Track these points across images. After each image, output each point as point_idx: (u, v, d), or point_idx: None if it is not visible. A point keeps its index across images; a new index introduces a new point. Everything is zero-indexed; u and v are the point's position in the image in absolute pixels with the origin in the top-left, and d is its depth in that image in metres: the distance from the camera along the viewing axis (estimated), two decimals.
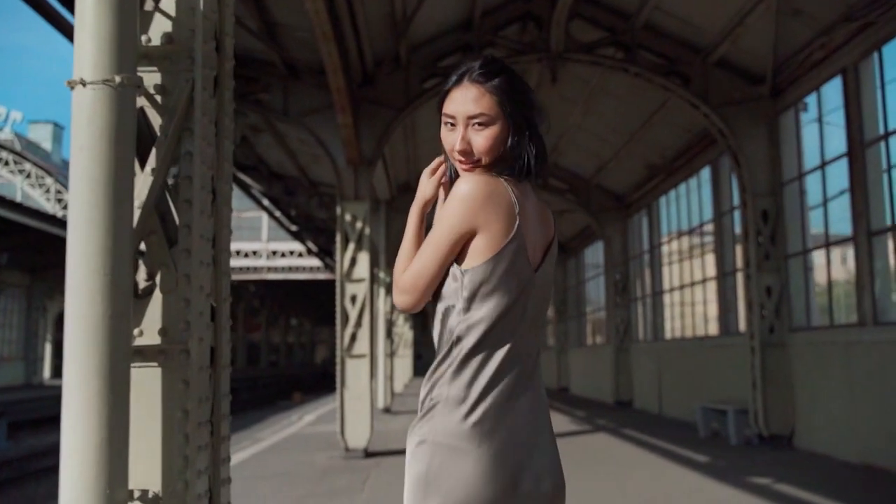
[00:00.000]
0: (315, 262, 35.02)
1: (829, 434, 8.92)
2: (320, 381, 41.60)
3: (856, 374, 8.34)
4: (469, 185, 1.68)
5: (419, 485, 1.63)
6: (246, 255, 38.99)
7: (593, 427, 13.19)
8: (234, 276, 39.17)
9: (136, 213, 2.36)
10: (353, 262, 9.65)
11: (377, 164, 9.97)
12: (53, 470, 13.70)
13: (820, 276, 9.86)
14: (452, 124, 1.77)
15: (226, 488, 2.63)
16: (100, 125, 2.19)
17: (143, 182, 2.42)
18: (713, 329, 12.85)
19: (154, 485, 2.31)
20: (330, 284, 28.80)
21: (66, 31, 7.09)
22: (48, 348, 37.87)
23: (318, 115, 9.78)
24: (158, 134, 2.48)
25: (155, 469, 2.33)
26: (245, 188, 17.42)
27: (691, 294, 13.80)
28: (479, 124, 1.73)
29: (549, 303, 1.84)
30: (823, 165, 9.18)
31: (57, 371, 40.77)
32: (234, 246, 32.46)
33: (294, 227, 22.08)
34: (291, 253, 38.15)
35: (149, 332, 2.41)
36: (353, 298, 9.64)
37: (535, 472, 1.67)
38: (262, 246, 38.93)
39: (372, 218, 10.98)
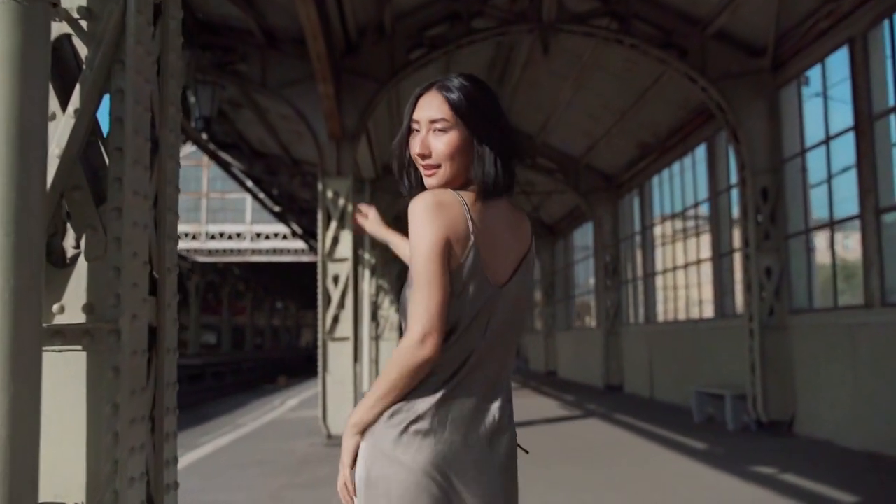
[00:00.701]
0: (300, 244, 34.51)
1: (831, 420, 8.59)
2: (306, 364, 41.14)
3: (861, 357, 7.99)
4: (419, 198, 1.66)
5: (361, 485, 1.65)
6: (230, 237, 38.40)
7: (583, 412, 12.85)
8: (218, 259, 38.68)
9: (54, 163, 1.91)
10: (336, 241, 9.21)
11: (360, 139, 9.51)
12: None
13: (822, 257, 9.50)
14: (417, 129, 1.77)
15: (171, 496, 2.20)
16: (1, 51, 1.73)
17: (63, 126, 1.97)
18: (708, 312, 12.50)
19: (75, 496, 1.88)
20: (315, 267, 28.13)
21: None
22: None
23: (298, 87, 9.30)
24: (84, 67, 2.03)
25: (77, 477, 1.90)
26: (225, 167, 16.90)
27: (685, 276, 13.44)
28: (440, 129, 1.73)
29: (522, 315, 1.79)
30: (828, 140, 8.79)
31: None
32: (218, 228, 31.94)
33: (277, 208, 21.55)
34: (276, 235, 37.59)
35: (72, 308, 1.96)
36: (336, 279, 9.21)
37: (475, 494, 1.64)
38: (246, 228, 38.34)
39: (356, 198, 10.53)
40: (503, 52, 12.98)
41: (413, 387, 1.62)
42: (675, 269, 13.93)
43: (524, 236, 1.80)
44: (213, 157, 16.21)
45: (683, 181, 13.33)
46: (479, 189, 1.71)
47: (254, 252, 38.27)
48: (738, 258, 11.32)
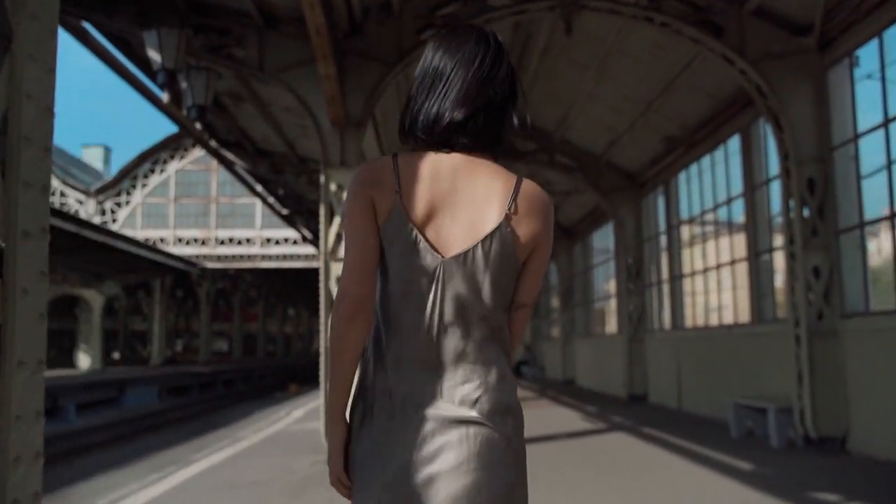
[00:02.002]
0: (310, 249, 33.78)
1: (889, 436, 7.68)
2: (318, 371, 40.43)
3: None
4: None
5: None
6: (239, 243, 37.73)
7: (608, 425, 11.95)
8: (229, 264, 37.98)
9: None
10: (340, 238, 8.39)
11: (367, 126, 8.69)
12: None
13: (880, 254, 8.59)
14: None
15: None
16: None
17: None
18: (744, 316, 11.58)
19: None
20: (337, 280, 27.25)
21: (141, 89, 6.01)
22: None
23: (298, 70, 8.51)
24: None
25: None
26: (228, 165, 16.16)
27: (717, 278, 12.51)
28: None
29: (487, 294, 1.54)
30: (886, 123, 7.89)
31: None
32: (228, 233, 31.34)
33: (285, 211, 20.79)
34: (286, 240, 36.90)
35: None
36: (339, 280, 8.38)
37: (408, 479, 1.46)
38: (256, 233, 37.66)
39: None
40: (520, 37, 12.15)
41: (355, 351, 1.54)
42: (705, 270, 13.01)
43: (496, 203, 1.56)
44: (215, 154, 15.48)
45: (714, 176, 12.43)
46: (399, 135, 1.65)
47: (264, 258, 37.58)
48: (778, 258, 10.43)
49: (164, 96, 7.99)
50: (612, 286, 19.58)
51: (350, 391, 1.55)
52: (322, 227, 8.44)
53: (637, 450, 9.38)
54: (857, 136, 8.43)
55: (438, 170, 1.55)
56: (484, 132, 1.59)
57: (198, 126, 9.70)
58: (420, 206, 1.52)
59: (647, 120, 13.42)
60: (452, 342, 1.52)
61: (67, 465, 12.67)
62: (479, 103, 1.58)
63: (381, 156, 1.67)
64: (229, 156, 15.72)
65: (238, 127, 14.38)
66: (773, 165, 10.14)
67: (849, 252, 8.56)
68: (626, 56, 11.71)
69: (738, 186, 11.45)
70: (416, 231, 1.51)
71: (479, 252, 1.52)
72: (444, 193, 1.54)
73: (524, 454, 1.57)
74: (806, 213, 8.61)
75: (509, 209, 1.54)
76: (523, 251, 1.57)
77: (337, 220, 8.42)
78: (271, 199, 19.48)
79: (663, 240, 15.25)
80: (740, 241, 11.46)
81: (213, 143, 15.23)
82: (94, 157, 56.68)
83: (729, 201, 11.87)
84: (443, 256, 1.52)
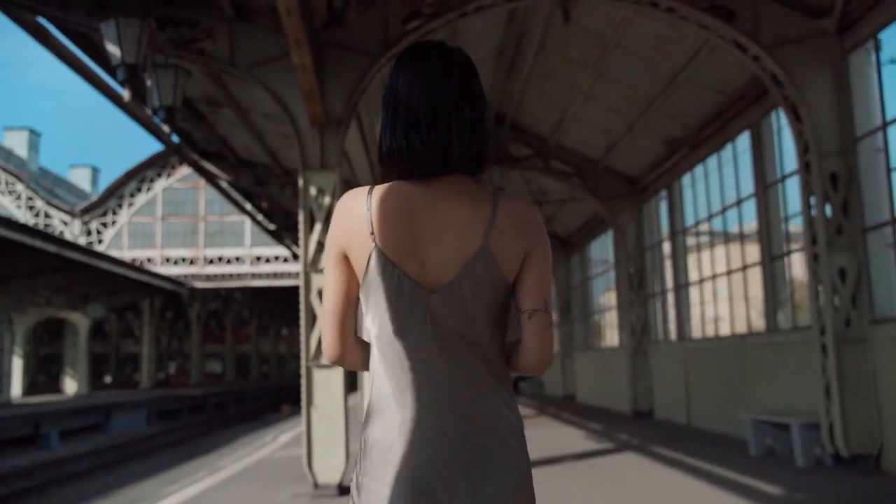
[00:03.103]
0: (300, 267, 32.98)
1: None
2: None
3: None
4: None
5: None
6: (229, 262, 36.90)
7: (615, 444, 11.18)
8: (218, 284, 37.13)
9: None
10: (321, 247, 7.65)
11: (349, 125, 7.96)
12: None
13: None
14: None
15: None
16: None
17: None
18: (758, 324, 10.85)
19: None
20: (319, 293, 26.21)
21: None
22: (17, 363, 35.65)
23: (273, 66, 7.79)
24: None
25: None
26: (210, 178, 15.42)
27: (728, 285, 11.77)
28: None
29: (480, 320, 1.53)
30: None
31: (30, 388, 38.55)
32: (217, 252, 30.67)
33: (272, 226, 20.03)
34: (276, 258, 36.10)
35: None
36: (322, 294, 7.63)
37: None
38: (246, 252, 36.85)
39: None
40: (514, 35, 11.49)
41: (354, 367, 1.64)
42: (714, 277, 12.28)
43: (475, 226, 1.51)
44: (195, 166, 14.75)
45: (722, 177, 11.73)
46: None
47: (254, 276, 36.74)
48: (796, 260, 9.73)
49: (126, 94, 7.26)
50: (612, 297, 18.85)
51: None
52: (302, 235, 7.69)
53: (649, 471, 8.61)
54: (885, 125, 7.74)
55: (414, 200, 1.52)
56: (459, 155, 1.53)
57: (166, 129, 8.96)
58: (399, 244, 1.50)
59: (648, 120, 12.75)
60: (448, 372, 1.51)
61: (45, 497, 11.91)
62: (451, 126, 1.52)
63: (355, 192, 1.55)
64: (211, 168, 14.99)
65: (218, 136, 13.65)
66: (789, 161, 9.46)
67: (877, 251, 7.85)
68: (625, 51, 11.04)
69: (748, 187, 10.75)
70: (398, 271, 1.50)
71: (465, 280, 1.50)
72: (422, 224, 1.51)
73: (531, 474, 1.54)
74: (829, 210, 7.90)
75: (490, 231, 1.51)
76: (512, 268, 1.54)
77: (318, 228, 7.67)
78: (259, 217, 18.75)
79: (667, 247, 14.54)
80: (752, 244, 10.75)
81: (192, 155, 14.51)
82: (81, 178, 56.03)
83: (739, 203, 11.16)
84: (430, 291, 1.50)
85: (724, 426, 11.39)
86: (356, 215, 1.52)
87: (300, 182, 7.71)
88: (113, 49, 7.07)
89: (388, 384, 1.52)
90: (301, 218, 7.71)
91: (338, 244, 1.55)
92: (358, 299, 1.56)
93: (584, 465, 9.21)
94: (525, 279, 1.56)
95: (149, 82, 8.07)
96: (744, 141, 10.82)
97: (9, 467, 14.76)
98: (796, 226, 9.45)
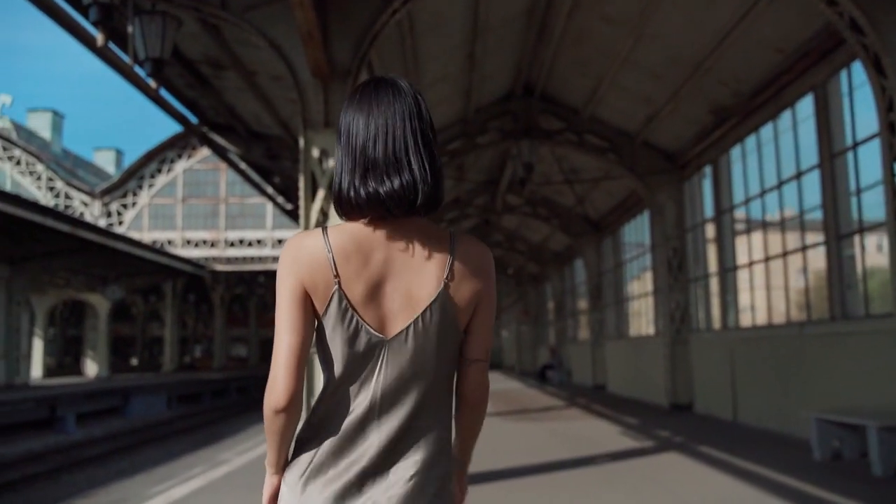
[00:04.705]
0: None
1: None
2: None
3: None
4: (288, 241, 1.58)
5: None
6: (250, 244, 36.19)
7: (655, 442, 10.11)
8: (241, 267, 36.45)
9: None
10: (325, 215, 6.65)
11: (358, 77, 6.92)
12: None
13: None
14: None
15: None
16: None
17: None
18: (820, 312, 9.69)
19: None
20: None
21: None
22: (38, 345, 35.28)
23: (269, 9, 6.81)
24: None
25: None
26: (220, 151, 14.50)
27: (784, 268, 10.59)
28: None
29: (432, 370, 1.52)
30: None
31: (51, 370, 38.23)
32: (238, 234, 29.93)
33: (289, 206, 19.11)
34: None
35: None
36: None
37: None
38: (267, 234, 36.11)
39: None
40: None
41: (286, 435, 1.53)
42: (767, 259, 11.10)
43: (433, 270, 1.51)
44: (206, 141, 13.85)
45: (778, 148, 10.53)
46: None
47: (275, 259, 35.95)
48: (870, 240, 8.56)
49: (99, 38, 6.31)
50: (647, 283, 17.71)
51: (286, 452, 1.57)
52: (302, 203, 6.70)
53: (698, 476, 7.54)
54: None
55: (371, 242, 1.51)
56: (421, 199, 1.49)
57: (153, 84, 8.01)
58: (358, 288, 1.49)
59: (694, 87, 11.58)
60: (397, 420, 1.51)
61: (54, 482, 11.24)
62: (412, 170, 1.50)
63: (314, 232, 1.47)
64: (220, 141, 14.07)
65: (225, 105, 12.70)
66: (862, 126, 8.28)
67: None
68: (671, 6, 9.90)
69: (811, 157, 9.56)
70: (356, 316, 1.49)
71: (420, 326, 1.51)
72: (379, 268, 1.51)
73: None
74: None
75: (447, 277, 1.51)
76: (465, 315, 1.54)
77: (321, 195, 6.67)
78: (280, 199, 17.83)
79: (710, 227, 13.37)
80: (814, 223, 9.57)
81: (203, 129, 13.60)
82: (106, 160, 55.63)
83: (798, 176, 9.96)
84: (384, 337, 1.50)
85: (777, 424, 10.28)
86: (318, 256, 1.49)
87: (301, 142, 6.71)
88: None
89: (331, 424, 1.51)
90: (301, 184, 6.72)
91: (300, 280, 1.49)
92: (311, 340, 1.53)
93: (622, 468, 8.15)
94: (473, 327, 1.57)
95: (130, 28, 7.08)
96: (806, 106, 9.62)
97: (22, 451, 14.33)
98: (872, 199, 8.27)
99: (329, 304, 1.47)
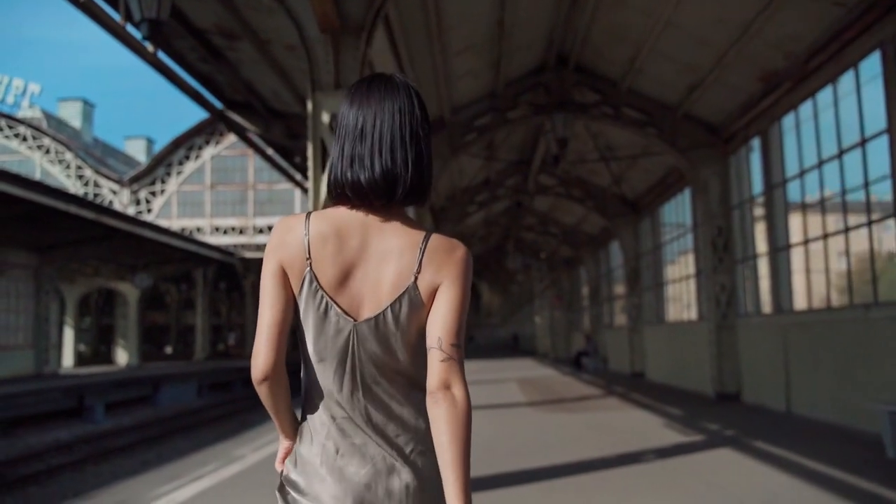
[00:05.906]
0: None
1: None
2: None
3: None
4: None
5: None
6: None
7: (702, 435, 9.32)
8: None
9: None
10: None
11: (372, 33, 6.19)
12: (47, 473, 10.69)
13: None
14: None
15: None
16: None
17: None
18: (889, 293, 8.79)
19: None
20: None
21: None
22: (69, 334, 35.25)
23: None
24: None
25: None
26: (239, 131, 13.91)
27: (846, 246, 9.67)
28: None
29: (404, 357, 1.57)
30: None
31: (82, 359, 38.26)
32: (266, 221, 29.41)
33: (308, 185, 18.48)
34: None
35: None
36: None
37: None
38: None
39: None
40: None
41: (277, 402, 1.61)
42: (825, 237, 10.18)
43: (405, 262, 1.55)
44: (223, 120, 13.25)
45: (838, 114, 9.60)
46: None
47: None
48: None
49: None
50: (688, 265, 16.80)
51: (287, 419, 1.65)
52: (311, 172, 6.02)
53: (758, 476, 6.74)
54: None
55: (349, 228, 1.55)
56: (402, 189, 1.55)
57: (150, 48, 7.36)
58: (330, 271, 1.54)
59: (742, 50, 10.68)
60: (371, 403, 1.55)
61: (79, 473, 10.85)
62: (396, 161, 1.55)
63: (296, 215, 1.52)
64: (238, 120, 13.47)
65: (242, 80, 12.07)
66: None
67: None
68: None
69: (878, 122, 8.63)
70: (327, 298, 1.53)
71: (390, 315, 1.54)
72: (354, 253, 1.55)
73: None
74: None
75: (418, 268, 1.55)
76: (431, 303, 1.57)
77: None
78: (308, 185, 17.20)
79: (758, 205, 12.46)
80: (884, 192, 8.65)
81: (220, 107, 13.00)
82: (136, 149, 55.76)
83: (863, 143, 9.03)
84: (355, 320, 1.54)
85: (836, 415, 9.43)
86: (295, 237, 1.55)
87: (308, 105, 6.02)
88: None
89: (312, 403, 1.58)
90: (310, 152, 6.03)
91: (278, 258, 1.56)
92: (290, 319, 1.57)
93: (671, 466, 7.38)
94: (430, 316, 1.57)
95: None
96: (872, 65, 8.69)
97: (49, 441, 14.09)
98: None
99: (302, 285, 1.54)
